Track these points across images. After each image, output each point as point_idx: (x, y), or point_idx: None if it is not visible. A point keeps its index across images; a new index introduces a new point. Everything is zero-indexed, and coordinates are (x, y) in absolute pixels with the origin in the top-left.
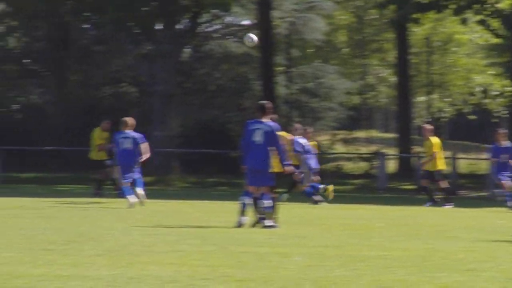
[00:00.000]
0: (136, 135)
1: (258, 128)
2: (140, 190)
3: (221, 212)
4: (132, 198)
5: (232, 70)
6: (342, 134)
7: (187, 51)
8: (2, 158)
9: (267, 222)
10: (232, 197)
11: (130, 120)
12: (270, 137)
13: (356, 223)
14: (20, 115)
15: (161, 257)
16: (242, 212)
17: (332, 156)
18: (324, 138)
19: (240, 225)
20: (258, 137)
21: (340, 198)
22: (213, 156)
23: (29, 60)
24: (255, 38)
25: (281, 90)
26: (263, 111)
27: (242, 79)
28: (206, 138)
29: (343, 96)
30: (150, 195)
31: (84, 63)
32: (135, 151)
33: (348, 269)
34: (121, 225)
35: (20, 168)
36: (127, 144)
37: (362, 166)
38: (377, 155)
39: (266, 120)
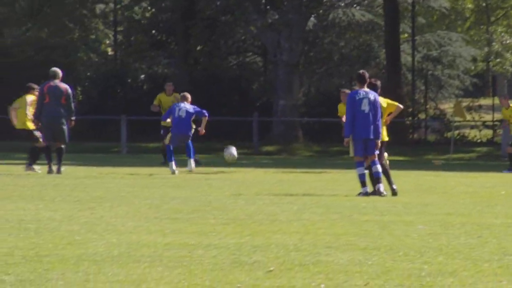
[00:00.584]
0: (192, 108)
1: (364, 97)
2: (191, 161)
3: (345, 181)
4: (173, 166)
5: (357, 39)
6: (466, 102)
7: (312, 20)
8: (129, 128)
9: (382, 188)
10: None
11: (188, 95)
12: (375, 105)
13: (479, 191)
14: (146, 86)
15: (285, 226)
16: (363, 183)
17: (456, 124)
18: (448, 106)
19: (366, 193)
20: (365, 106)
21: (463, 166)
22: (337, 125)
23: (156, 31)
24: (233, 152)
25: (406, 58)
26: (363, 80)
27: (366, 48)
28: (329, 107)
29: (468, 63)
30: (274, 164)
31: (210, 33)
32: (188, 122)
33: (472, 236)
34: (246, 194)
35: (146, 138)
36: (182, 113)
37: (486, 133)
38: (501, 123)
39: (367, 89)
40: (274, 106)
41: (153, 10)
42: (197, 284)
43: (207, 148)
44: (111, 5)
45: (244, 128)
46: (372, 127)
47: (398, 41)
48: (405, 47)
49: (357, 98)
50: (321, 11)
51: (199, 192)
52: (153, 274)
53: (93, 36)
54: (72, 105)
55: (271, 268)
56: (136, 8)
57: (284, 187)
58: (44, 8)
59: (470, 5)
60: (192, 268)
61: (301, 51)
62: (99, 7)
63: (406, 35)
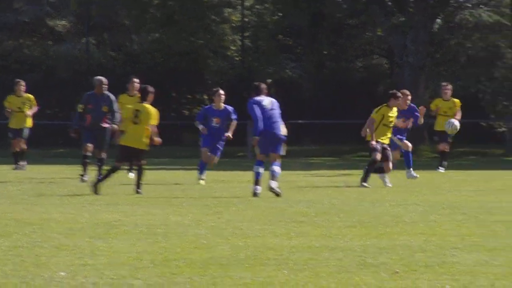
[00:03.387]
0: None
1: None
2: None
3: (471, 181)
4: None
5: (484, 39)
6: None
7: (438, 21)
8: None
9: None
10: (484, 166)
11: None
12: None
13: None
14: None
15: (411, 227)
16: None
17: None
18: None
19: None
20: (269, 105)
21: None
22: (464, 126)
23: (283, 36)
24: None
25: None
26: (258, 91)
27: (493, 48)
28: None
29: None
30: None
31: (336, 37)
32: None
33: None
34: (372, 197)
35: None
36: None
37: None
38: None
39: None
40: None
41: (281, 14)
42: (323, 287)
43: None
44: (239, 7)
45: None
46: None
47: None
48: None
49: (259, 100)
50: (447, 12)
51: (323, 195)
52: (279, 277)
53: (221, 43)
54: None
55: (397, 270)
56: (263, 12)
57: (410, 188)
58: (174, 16)
59: None
60: (318, 270)
61: (427, 53)
62: (227, 10)
63: None
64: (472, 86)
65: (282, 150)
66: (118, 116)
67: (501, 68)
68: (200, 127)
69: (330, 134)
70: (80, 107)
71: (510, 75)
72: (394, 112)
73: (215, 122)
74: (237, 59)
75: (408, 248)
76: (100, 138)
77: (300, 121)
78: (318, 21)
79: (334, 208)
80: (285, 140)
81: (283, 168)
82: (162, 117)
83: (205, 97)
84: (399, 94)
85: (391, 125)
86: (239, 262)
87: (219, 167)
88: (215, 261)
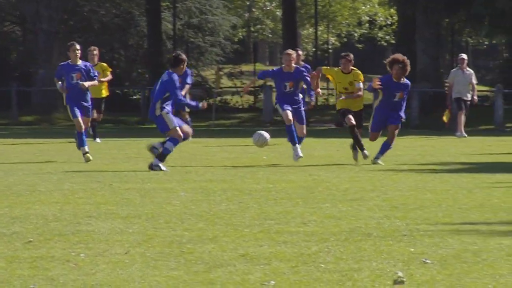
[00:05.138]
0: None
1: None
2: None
3: (108, 149)
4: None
5: (117, 7)
6: (227, 68)
7: None
8: None
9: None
10: (120, 134)
11: None
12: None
13: (241, 157)
14: None
15: (45, 197)
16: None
17: (218, 90)
18: (209, 73)
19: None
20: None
21: (225, 132)
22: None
23: None
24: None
25: (167, 26)
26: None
27: (127, 16)
28: None
29: (229, 30)
30: (34, 134)
31: None
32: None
33: (233, 202)
34: (4, 165)
35: None
36: None
37: (248, 99)
38: (263, 88)
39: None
40: (34, 75)
41: None
42: None
43: None
44: None
45: (2, 98)
46: None
47: (159, 8)
48: (166, 15)
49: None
50: None
51: None
52: None
53: None
54: None
55: (30, 239)
56: None
57: (44, 157)
58: None
59: None
60: None
61: (61, 19)
62: None
63: (167, 3)
64: (107, 54)
65: None
66: None
67: (134, 35)
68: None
69: None
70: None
71: (143, 43)
72: None
73: None
74: None
75: (42, 217)
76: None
77: None
78: None
79: None
80: None
81: None
82: None
83: None
84: None
85: None
86: None
87: None
88: None
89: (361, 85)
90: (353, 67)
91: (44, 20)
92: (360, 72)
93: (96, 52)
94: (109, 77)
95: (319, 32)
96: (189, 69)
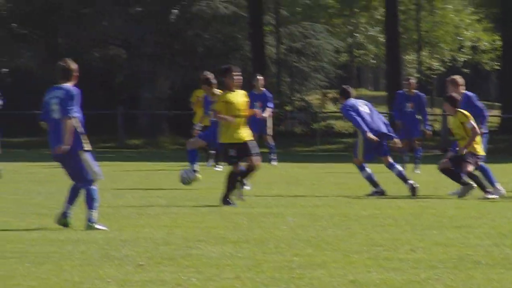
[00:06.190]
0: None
1: None
2: None
3: (212, 173)
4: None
5: (221, 31)
6: (332, 93)
7: (175, 12)
8: None
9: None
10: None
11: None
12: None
13: (347, 182)
14: (9, 79)
15: (154, 220)
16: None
17: (323, 115)
18: (313, 97)
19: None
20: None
21: (330, 157)
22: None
23: (17, 24)
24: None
25: (270, 50)
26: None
27: (231, 40)
28: None
29: (332, 55)
30: (140, 157)
31: (72, 26)
32: None
33: (340, 228)
34: (113, 188)
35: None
36: None
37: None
38: None
39: None
40: (139, 99)
41: (11, 3)
42: (66, 280)
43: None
44: None
45: (109, 121)
46: None
47: (262, 33)
48: (270, 39)
49: None
50: (184, 3)
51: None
52: (21, 270)
53: None
54: None
55: (141, 263)
56: None
57: (152, 180)
58: None
59: None
60: (61, 263)
61: (165, 43)
62: None
63: (270, 27)
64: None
65: None
66: None
67: (238, 59)
68: None
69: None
70: None
71: (247, 67)
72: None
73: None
74: None
75: (151, 241)
76: None
77: (36, 112)
78: (52, 10)
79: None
80: None
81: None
82: None
83: None
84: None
85: None
86: None
87: None
88: None
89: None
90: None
91: (149, 43)
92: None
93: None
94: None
95: (422, 58)
96: (269, 92)
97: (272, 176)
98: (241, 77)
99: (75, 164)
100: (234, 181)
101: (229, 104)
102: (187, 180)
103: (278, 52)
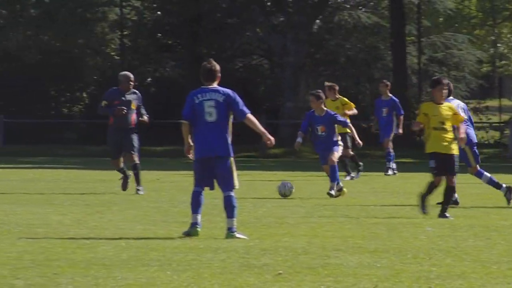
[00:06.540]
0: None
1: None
2: None
3: (351, 182)
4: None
5: (363, 41)
6: (473, 103)
7: (317, 22)
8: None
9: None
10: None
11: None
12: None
13: (487, 193)
14: (153, 89)
15: (294, 229)
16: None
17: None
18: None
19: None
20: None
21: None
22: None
23: (162, 35)
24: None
25: (412, 60)
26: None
27: (372, 50)
28: None
29: (474, 65)
30: (282, 167)
31: (216, 36)
32: None
33: (480, 238)
34: (254, 197)
35: (153, 141)
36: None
37: (493, 135)
38: (509, 124)
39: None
40: (281, 108)
41: (159, 13)
42: None
43: None
44: (117, 9)
45: (251, 131)
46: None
47: (404, 43)
48: (411, 49)
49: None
50: (326, 13)
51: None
52: (162, 278)
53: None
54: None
55: (280, 272)
56: (142, 11)
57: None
58: (52, 13)
59: (474, 8)
60: (200, 271)
61: (307, 53)
62: (102, 9)
63: (412, 37)
64: (352, 87)
65: None
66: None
67: (380, 69)
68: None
69: None
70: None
71: (388, 77)
72: None
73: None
74: (117, 58)
75: (291, 250)
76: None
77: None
78: (197, 20)
79: (216, 209)
80: None
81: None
82: (42, 116)
83: (84, 95)
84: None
85: None
86: (122, 262)
87: (102, 166)
88: (98, 261)
89: None
90: None
91: (291, 53)
92: None
93: (336, 88)
94: (354, 111)
95: None
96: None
97: (411, 186)
98: (447, 90)
99: (225, 169)
100: (450, 194)
101: (429, 116)
102: (283, 192)
103: (419, 62)
